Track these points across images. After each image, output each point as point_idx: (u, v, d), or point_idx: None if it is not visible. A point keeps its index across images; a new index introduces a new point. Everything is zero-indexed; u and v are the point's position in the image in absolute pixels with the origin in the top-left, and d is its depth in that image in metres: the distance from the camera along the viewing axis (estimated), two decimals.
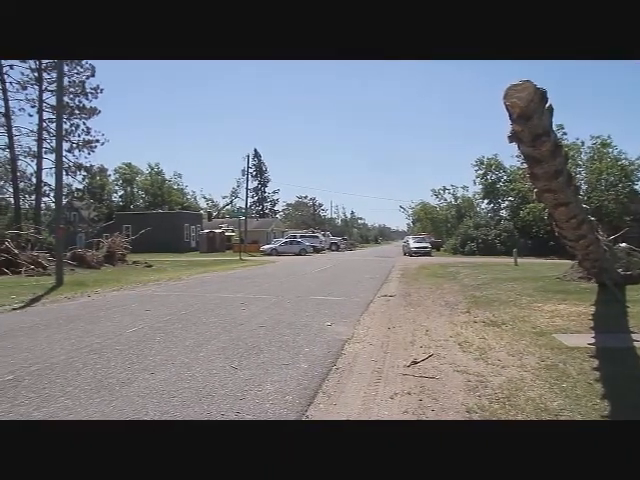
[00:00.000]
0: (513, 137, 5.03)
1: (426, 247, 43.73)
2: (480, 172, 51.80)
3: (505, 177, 50.97)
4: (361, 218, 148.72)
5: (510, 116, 4.62)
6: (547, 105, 4.66)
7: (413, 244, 44.87)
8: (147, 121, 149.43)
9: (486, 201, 53.66)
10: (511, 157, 50.23)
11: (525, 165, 7.06)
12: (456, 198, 58.48)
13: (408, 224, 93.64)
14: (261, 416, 4.26)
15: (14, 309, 10.81)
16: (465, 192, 57.56)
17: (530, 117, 4.53)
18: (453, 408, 4.46)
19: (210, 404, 4.55)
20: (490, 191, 51.57)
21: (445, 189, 59.48)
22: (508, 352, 6.46)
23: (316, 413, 4.40)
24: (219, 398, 4.72)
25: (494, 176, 51.53)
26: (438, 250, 50.33)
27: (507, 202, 51.53)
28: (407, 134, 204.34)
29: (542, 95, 4.42)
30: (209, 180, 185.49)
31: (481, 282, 16.05)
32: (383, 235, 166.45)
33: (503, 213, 51.74)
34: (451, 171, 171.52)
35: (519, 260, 26.83)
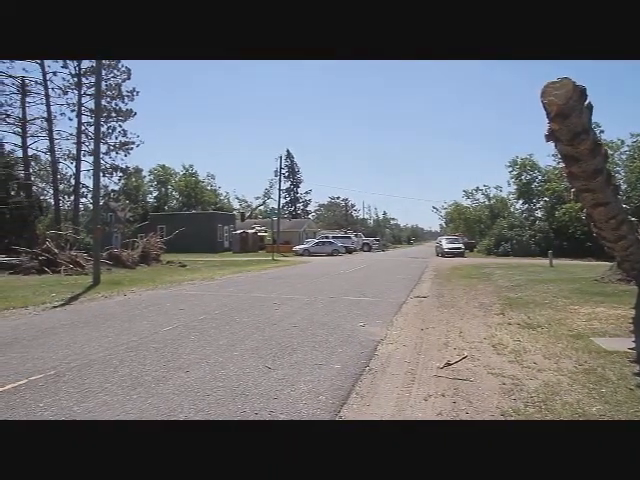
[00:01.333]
0: (550, 136, 4.92)
1: (459, 248, 43.13)
2: (514, 172, 50.98)
3: (540, 177, 50.02)
4: (393, 218, 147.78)
5: (547, 114, 4.52)
6: (586, 102, 4.55)
7: (446, 245, 44.34)
8: (180, 122, 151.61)
9: (520, 201, 52.75)
10: (547, 156, 49.27)
11: (562, 164, 6.91)
12: (489, 198, 57.69)
13: (441, 225, 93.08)
14: (294, 416, 4.28)
15: (54, 307, 11.11)
16: (498, 192, 56.85)
17: (568, 115, 4.43)
18: (488, 411, 4.41)
19: (244, 403, 4.59)
20: (525, 191, 50.65)
21: (478, 189, 58.83)
22: (544, 355, 6.34)
23: (349, 414, 4.40)
24: (253, 397, 4.76)
25: (528, 176, 50.62)
26: (471, 251, 49.66)
27: (542, 202, 50.53)
28: (440, 135, 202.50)
29: (581, 92, 4.32)
30: (242, 181, 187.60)
31: (515, 283, 15.81)
32: (416, 236, 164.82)
33: (538, 214, 50.77)
34: (484, 172, 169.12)
35: (554, 261, 26.31)
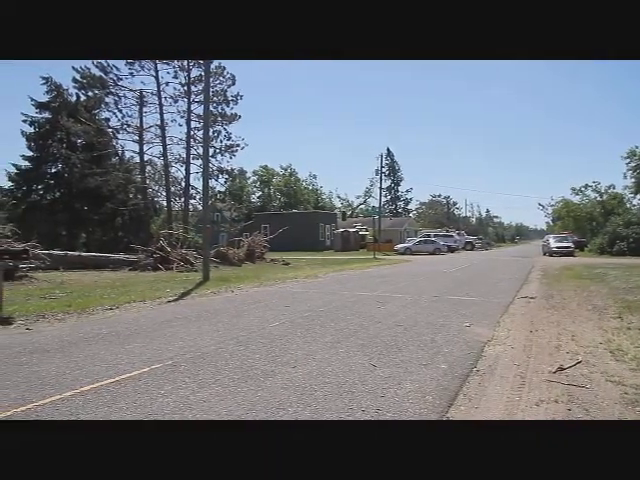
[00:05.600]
0: None
1: (568, 247, 40.68)
2: (632, 164, 47.31)
3: None
4: (497, 216, 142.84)
5: None
6: None
7: (554, 243, 42.01)
8: (284, 123, 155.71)
9: (639, 196, 48.89)
10: None
11: None
12: (601, 194, 53.99)
13: (547, 222, 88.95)
14: (401, 415, 4.30)
15: (169, 301, 11.89)
16: (612, 189, 53.13)
17: None
18: None
19: (351, 400, 4.66)
20: None
21: (587, 186, 55.35)
22: None
23: (457, 415, 4.34)
24: (359, 394, 4.81)
25: None
26: (582, 250, 46.67)
27: None
28: (546, 130, 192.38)
29: None
30: (344, 180, 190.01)
31: (634, 285, 14.66)
32: (520, 234, 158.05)
33: None
34: (593, 168, 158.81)
35: None
